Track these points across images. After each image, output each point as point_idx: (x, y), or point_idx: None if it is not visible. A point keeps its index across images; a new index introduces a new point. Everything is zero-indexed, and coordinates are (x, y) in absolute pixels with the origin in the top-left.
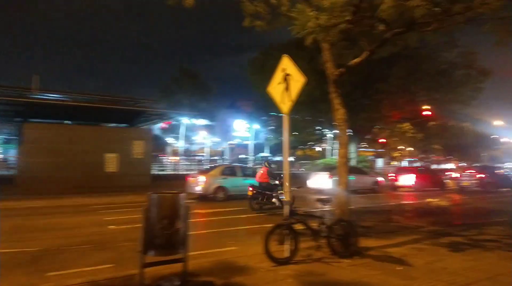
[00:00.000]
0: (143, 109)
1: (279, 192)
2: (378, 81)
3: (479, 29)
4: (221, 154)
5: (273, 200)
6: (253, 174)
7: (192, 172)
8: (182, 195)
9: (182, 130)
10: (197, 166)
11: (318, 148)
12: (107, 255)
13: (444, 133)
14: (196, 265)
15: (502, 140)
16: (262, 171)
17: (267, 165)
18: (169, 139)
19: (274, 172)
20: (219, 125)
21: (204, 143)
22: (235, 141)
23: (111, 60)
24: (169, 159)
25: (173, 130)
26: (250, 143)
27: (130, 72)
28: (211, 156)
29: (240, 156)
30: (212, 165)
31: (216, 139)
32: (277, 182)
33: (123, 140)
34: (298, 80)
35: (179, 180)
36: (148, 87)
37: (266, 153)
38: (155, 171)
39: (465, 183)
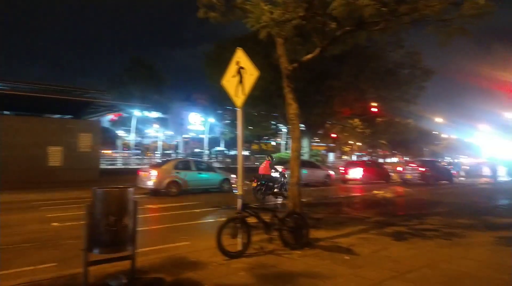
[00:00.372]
0: (91, 100)
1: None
2: (330, 78)
3: (424, 30)
4: (175, 148)
5: (275, 190)
6: (207, 168)
7: (144, 166)
8: (130, 190)
9: (133, 123)
10: (150, 160)
11: (273, 142)
12: (49, 253)
13: (390, 129)
14: (146, 261)
15: (442, 136)
16: (264, 164)
17: (269, 158)
18: (120, 132)
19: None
20: (173, 118)
21: (157, 136)
22: (190, 135)
23: (58, 48)
24: (118, 153)
25: (124, 122)
26: (205, 137)
27: (78, 62)
28: (164, 150)
29: (195, 150)
30: (165, 159)
31: (170, 133)
32: (278, 174)
33: (68, 133)
34: (251, 74)
35: (130, 175)
36: (98, 78)
37: (221, 147)
38: (104, 165)
39: (408, 176)
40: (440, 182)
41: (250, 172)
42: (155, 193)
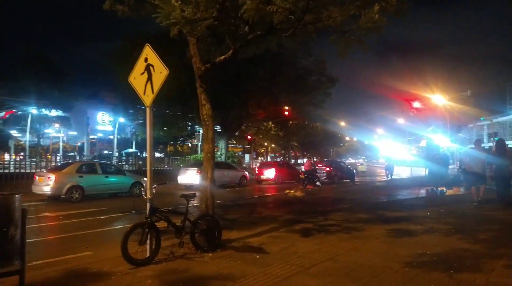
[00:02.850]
0: None
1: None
2: (245, 80)
3: (328, 40)
4: (79, 149)
5: (316, 181)
6: (116, 172)
7: (42, 170)
8: (17, 196)
9: (29, 122)
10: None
11: (189, 144)
12: None
13: (300, 131)
14: (39, 276)
15: (346, 138)
16: (307, 162)
17: (310, 158)
18: (14, 132)
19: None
20: (77, 117)
21: (59, 137)
22: (97, 136)
23: None
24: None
25: (18, 121)
26: (115, 138)
27: None
28: (67, 152)
29: (104, 152)
30: (66, 161)
31: (73, 133)
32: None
33: None
34: (161, 72)
35: (25, 180)
36: None
37: (132, 149)
38: None
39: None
40: (344, 180)
41: (164, 175)
42: (55, 199)
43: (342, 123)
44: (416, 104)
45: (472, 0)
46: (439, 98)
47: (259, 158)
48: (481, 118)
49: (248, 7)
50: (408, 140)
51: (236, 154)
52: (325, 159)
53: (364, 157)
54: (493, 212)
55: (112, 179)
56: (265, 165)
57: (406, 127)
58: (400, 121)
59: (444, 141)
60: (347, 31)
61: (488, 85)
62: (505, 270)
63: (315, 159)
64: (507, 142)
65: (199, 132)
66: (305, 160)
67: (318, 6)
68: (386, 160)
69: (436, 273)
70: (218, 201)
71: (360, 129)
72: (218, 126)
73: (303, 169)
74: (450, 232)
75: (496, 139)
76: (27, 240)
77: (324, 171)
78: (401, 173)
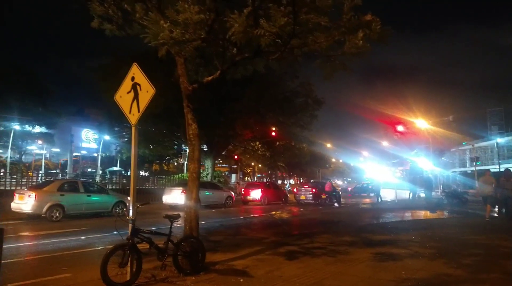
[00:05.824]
0: None
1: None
2: (233, 100)
3: (314, 63)
4: (62, 167)
5: (334, 202)
6: (99, 190)
7: (22, 188)
8: None
9: (11, 138)
10: (30, 180)
11: (175, 163)
12: None
13: (287, 152)
14: None
15: (332, 160)
16: (328, 184)
17: (331, 180)
18: None
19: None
20: (61, 134)
21: (41, 154)
22: (81, 153)
23: None
24: None
25: None
26: (99, 156)
27: None
28: (49, 169)
29: (87, 170)
30: (48, 179)
31: (57, 150)
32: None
33: None
34: (147, 91)
35: (4, 197)
36: None
37: (117, 167)
38: None
39: (302, 196)
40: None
41: (149, 194)
42: (34, 218)
43: (329, 145)
44: (400, 128)
45: (453, 28)
46: (422, 122)
47: (246, 178)
48: (463, 143)
49: (236, 30)
50: (392, 162)
51: (223, 174)
52: (311, 181)
53: (350, 179)
54: (477, 236)
55: (95, 198)
56: (251, 186)
57: (390, 150)
58: (385, 144)
59: (427, 165)
60: (332, 55)
61: (470, 110)
62: None
63: (302, 180)
64: (488, 167)
65: (185, 151)
66: (292, 181)
67: (304, 31)
68: (371, 182)
69: None
70: (203, 222)
71: (346, 151)
72: (205, 145)
73: (325, 190)
74: (434, 256)
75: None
76: (3, 261)
77: (310, 192)
78: (386, 195)
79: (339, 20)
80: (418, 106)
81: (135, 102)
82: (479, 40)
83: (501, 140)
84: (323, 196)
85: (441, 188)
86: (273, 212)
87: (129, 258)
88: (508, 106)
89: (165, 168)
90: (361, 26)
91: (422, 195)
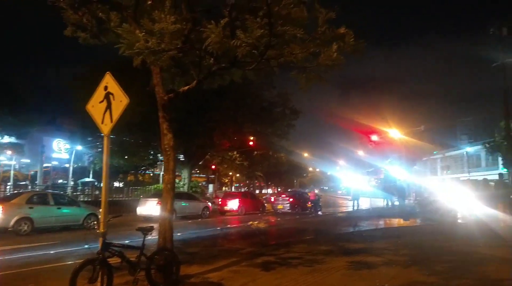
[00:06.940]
0: None
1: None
2: (211, 110)
3: (289, 74)
4: (31, 178)
5: (318, 210)
6: (69, 203)
7: None
8: None
9: None
10: None
11: (151, 173)
12: None
13: (265, 161)
14: None
15: (309, 169)
16: (311, 193)
17: (314, 190)
18: None
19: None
20: (31, 144)
21: (10, 165)
22: (52, 164)
23: None
24: None
25: None
26: (70, 167)
27: None
28: (18, 181)
29: (58, 181)
30: (16, 191)
31: (26, 161)
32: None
33: None
34: (121, 101)
35: None
36: None
37: (90, 178)
38: None
39: (279, 206)
40: (306, 211)
41: (123, 206)
42: (1, 232)
43: (306, 154)
44: (374, 137)
45: (425, 41)
46: (395, 132)
47: (224, 188)
48: (434, 152)
49: (212, 40)
50: (367, 171)
51: (200, 184)
52: (288, 190)
53: (327, 188)
54: (450, 242)
55: (65, 210)
56: (228, 196)
57: (366, 159)
58: (360, 153)
59: (401, 173)
60: (308, 67)
61: (441, 121)
62: None
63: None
64: (457, 175)
65: (161, 161)
66: (270, 190)
67: (280, 42)
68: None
69: None
70: (179, 234)
71: (322, 160)
72: (182, 155)
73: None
74: (407, 263)
75: None
76: None
77: (287, 202)
78: (361, 203)
79: (314, 32)
80: (391, 116)
81: (108, 112)
82: (449, 53)
83: (470, 149)
84: (309, 205)
85: (414, 196)
86: (251, 222)
87: (100, 273)
88: (476, 117)
89: (140, 178)
90: (335, 39)
91: (397, 203)
